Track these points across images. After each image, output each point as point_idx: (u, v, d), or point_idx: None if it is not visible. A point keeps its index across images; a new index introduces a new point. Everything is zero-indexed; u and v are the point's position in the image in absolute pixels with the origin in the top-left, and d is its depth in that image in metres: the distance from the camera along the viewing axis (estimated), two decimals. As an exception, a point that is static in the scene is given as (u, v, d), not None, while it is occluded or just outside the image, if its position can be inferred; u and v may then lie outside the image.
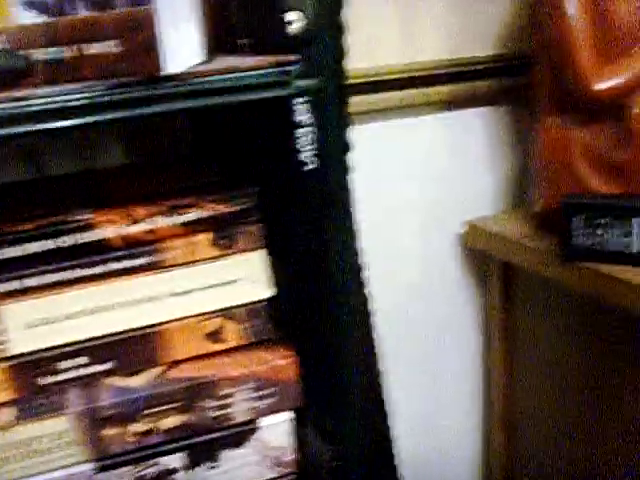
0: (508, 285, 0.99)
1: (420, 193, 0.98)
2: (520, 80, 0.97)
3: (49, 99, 0.45)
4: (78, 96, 0.46)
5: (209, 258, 0.60)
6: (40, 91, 0.46)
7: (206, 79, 0.46)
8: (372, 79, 0.91)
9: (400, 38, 0.94)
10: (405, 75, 0.95)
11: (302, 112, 0.57)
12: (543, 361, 0.98)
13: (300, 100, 0.57)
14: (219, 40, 0.62)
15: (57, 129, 0.44)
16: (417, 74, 0.96)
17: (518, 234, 0.89)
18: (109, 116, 0.45)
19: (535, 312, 0.97)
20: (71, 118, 0.44)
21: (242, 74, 0.47)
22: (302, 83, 0.48)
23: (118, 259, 0.58)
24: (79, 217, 0.58)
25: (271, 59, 0.48)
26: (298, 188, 0.61)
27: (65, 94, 0.45)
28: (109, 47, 0.46)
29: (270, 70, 0.47)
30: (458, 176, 1.00)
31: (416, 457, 1.09)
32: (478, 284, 1.05)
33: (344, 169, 0.60)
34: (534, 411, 1.02)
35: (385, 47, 0.93)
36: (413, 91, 0.96)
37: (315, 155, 0.59)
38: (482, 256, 1.02)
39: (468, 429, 1.13)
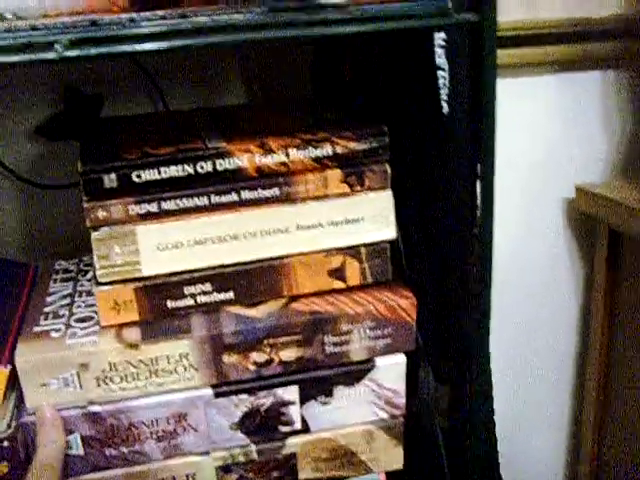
0: (615, 255, 0.97)
1: (530, 154, 0.97)
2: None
3: (208, 18, 0.45)
4: (238, 16, 0.45)
5: (338, 194, 0.61)
6: (201, 9, 0.46)
7: (367, 7, 0.46)
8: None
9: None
10: (522, 32, 0.93)
11: (444, 54, 0.57)
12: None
13: (443, 42, 0.56)
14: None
15: (219, 42, 0.44)
16: (533, 32, 0.94)
17: (630, 200, 0.87)
18: (267, 35, 0.45)
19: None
20: (233, 33, 0.44)
21: (402, 4, 0.46)
22: (460, 17, 0.47)
23: (251, 188, 0.59)
24: (217, 145, 0.58)
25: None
26: (431, 131, 0.61)
27: (226, 14, 0.45)
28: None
29: (430, 2, 0.46)
30: (570, 139, 0.98)
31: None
32: (583, 252, 1.04)
33: (486, 118, 0.59)
34: (630, 392, 1.00)
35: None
36: (528, 50, 0.94)
37: (454, 100, 0.58)
38: (589, 223, 1.00)
39: (557, 405, 1.12)
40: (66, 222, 0.77)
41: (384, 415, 0.66)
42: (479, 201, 0.60)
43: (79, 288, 0.67)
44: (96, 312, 0.61)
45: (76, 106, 0.74)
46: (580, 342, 1.09)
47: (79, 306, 0.64)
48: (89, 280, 0.68)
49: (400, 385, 0.65)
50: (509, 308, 1.03)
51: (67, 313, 0.63)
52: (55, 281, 0.69)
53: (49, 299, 0.66)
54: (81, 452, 0.61)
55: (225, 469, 0.64)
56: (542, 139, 0.97)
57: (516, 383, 1.08)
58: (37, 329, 0.61)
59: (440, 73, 0.57)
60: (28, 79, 0.73)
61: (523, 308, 1.04)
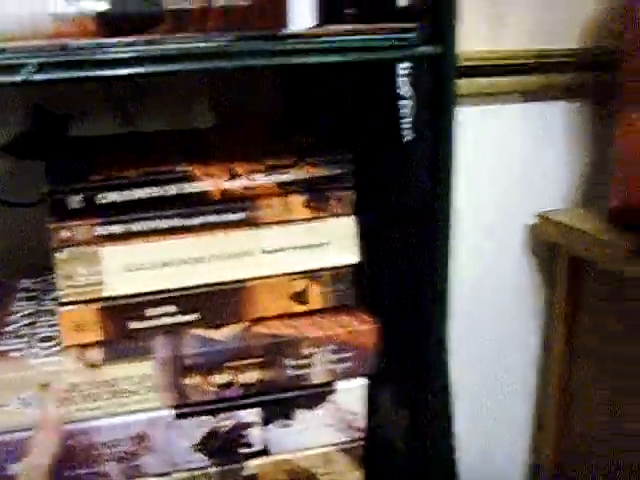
0: (575, 280, 0.99)
1: (493, 181, 0.98)
2: (601, 76, 0.97)
3: (175, 45, 0.46)
4: (204, 45, 0.46)
5: (301, 219, 0.62)
6: (169, 37, 0.47)
7: (332, 38, 0.47)
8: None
9: (487, 23, 0.94)
10: (488, 63, 0.95)
11: (405, 84, 0.58)
12: (606, 358, 0.98)
13: (404, 72, 0.57)
14: (326, 8, 0.63)
15: (187, 70, 0.45)
16: (499, 62, 0.96)
17: (591, 228, 0.89)
18: (233, 64, 0.46)
19: (602, 309, 0.97)
20: (199, 61, 0.45)
21: (365, 36, 0.47)
22: (422, 49, 0.49)
23: (216, 212, 0.60)
24: (183, 168, 0.59)
25: (393, 25, 0.49)
26: (394, 158, 0.62)
27: (193, 42, 0.46)
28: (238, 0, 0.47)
29: (392, 35, 0.48)
30: (533, 167, 1.00)
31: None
32: (545, 277, 1.05)
33: (444, 143, 0.60)
34: (589, 408, 1.01)
35: (471, 32, 0.93)
36: (494, 79, 0.96)
37: (414, 127, 0.59)
38: (551, 249, 1.02)
39: (520, 423, 1.13)
40: (30, 240, 0.77)
41: (344, 437, 0.66)
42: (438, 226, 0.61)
43: (42, 307, 0.68)
44: (59, 332, 0.61)
45: (44, 125, 0.75)
46: (543, 361, 1.11)
47: (42, 326, 0.64)
48: (53, 299, 0.68)
49: (360, 408, 0.65)
50: (477, 326, 1.05)
51: (29, 332, 0.63)
52: (18, 300, 0.69)
53: (11, 318, 0.66)
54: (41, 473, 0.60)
55: (185, 491, 0.64)
56: (506, 166, 0.99)
57: (485, 399, 1.09)
58: (-2, 348, 0.60)
59: (401, 102, 0.58)
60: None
61: (490, 327, 1.05)
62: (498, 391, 1.11)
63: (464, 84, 0.92)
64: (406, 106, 0.59)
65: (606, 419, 1.02)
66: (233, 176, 0.59)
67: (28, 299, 0.69)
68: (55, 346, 0.61)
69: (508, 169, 0.99)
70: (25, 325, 0.64)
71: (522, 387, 1.13)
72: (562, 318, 1.01)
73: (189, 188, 0.58)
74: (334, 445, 0.67)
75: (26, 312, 0.67)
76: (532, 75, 0.96)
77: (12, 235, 0.78)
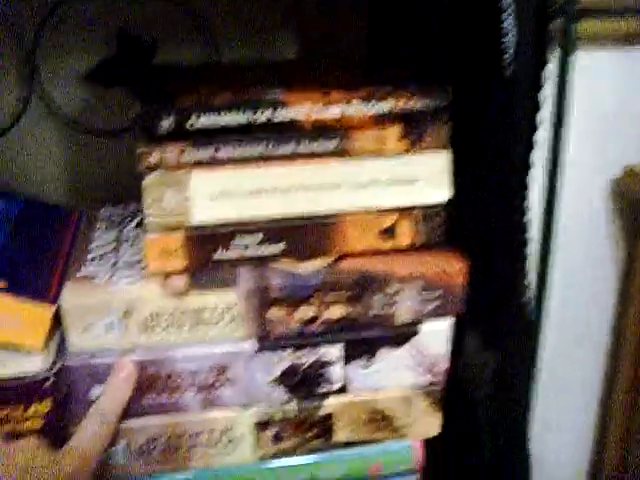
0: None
1: (581, 130, 0.94)
2: None
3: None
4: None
5: (395, 152, 0.59)
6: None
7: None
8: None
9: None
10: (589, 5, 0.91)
11: (510, 16, 0.55)
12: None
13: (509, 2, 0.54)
14: None
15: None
16: (601, 5, 0.91)
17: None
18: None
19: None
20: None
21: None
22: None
23: (308, 141, 0.57)
24: (274, 95, 0.56)
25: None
26: (493, 93, 0.59)
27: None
28: None
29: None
30: (624, 118, 0.95)
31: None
32: (626, 235, 1.01)
33: (539, 83, 0.57)
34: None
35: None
36: (593, 22, 0.91)
37: (517, 63, 0.56)
38: (635, 205, 0.98)
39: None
40: (113, 169, 0.76)
41: (425, 380, 0.65)
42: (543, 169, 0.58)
43: (125, 235, 0.67)
44: (142, 259, 0.60)
45: (129, 52, 0.73)
46: (616, 327, 1.08)
47: (124, 252, 0.63)
48: (135, 227, 0.67)
49: (444, 350, 0.63)
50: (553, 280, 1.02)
51: (112, 259, 0.62)
52: (100, 227, 0.69)
53: (94, 245, 0.65)
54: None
55: (263, 425, 0.63)
56: (596, 115, 0.95)
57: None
58: (82, 273, 0.60)
59: (505, 36, 0.55)
60: (81, 21, 0.72)
61: (562, 286, 1.02)
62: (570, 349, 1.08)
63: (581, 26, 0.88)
64: (509, 40, 0.56)
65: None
66: (326, 104, 0.57)
67: (110, 227, 0.69)
68: (138, 273, 0.59)
69: (598, 118, 0.95)
70: (108, 252, 0.63)
71: (595, 349, 1.09)
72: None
73: (280, 115, 0.56)
74: (414, 388, 0.65)
75: (109, 239, 0.66)
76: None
77: (93, 164, 0.77)
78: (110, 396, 0.57)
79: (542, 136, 0.61)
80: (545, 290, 0.59)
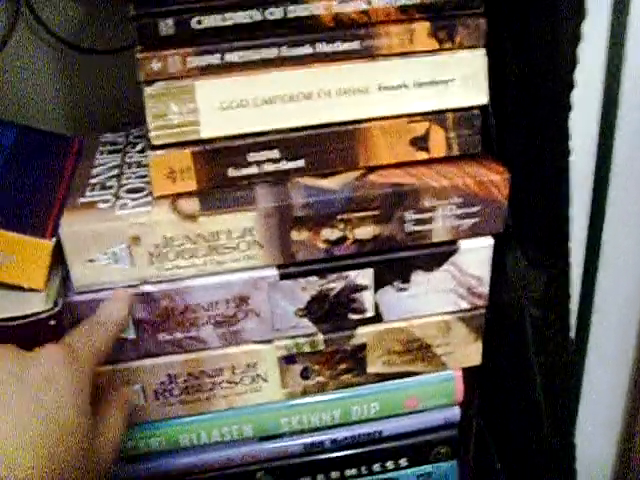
0: None
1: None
2: None
3: None
4: None
5: (425, 51, 0.53)
6: None
7: None
8: None
9: None
10: None
11: None
12: None
13: None
14: None
15: None
16: None
17: None
18: None
19: None
20: None
21: None
22: None
23: (328, 40, 0.51)
24: (288, -13, 0.49)
25: None
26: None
27: None
28: None
29: None
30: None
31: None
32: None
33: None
34: None
35: None
36: None
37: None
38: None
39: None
40: (113, 92, 0.69)
41: (465, 305, 0.58)
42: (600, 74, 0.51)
43: (128, 160, 0.60)
44: (148, 183, 0.54)
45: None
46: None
47: (129, 177, 0.57)
48: (139, 152, 0.61)
49: (485, 271, 0.57)
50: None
51: (116, 184, 0.56)
52: (102, 153, 0.62)
53: (96, 171, 0.59)
54: (133, 336, 0.54)
55: (289, 359, 0.57)
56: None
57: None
58: (83, 200, 0.54)
59: None
60: None
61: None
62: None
63: None
64: None
65: None
66: (348, -3, 0.49)
67: (112, 152, 0.62)
68: (146, 197, 0.53)
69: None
70: (111, 177, 0.57)
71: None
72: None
73: (296, 11, 0.50)
74: (453, 313, 0.59)
75: (112, 164, 0.59)
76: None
77: (92, 87, 0.70)
78: (105, 312, 0.51)
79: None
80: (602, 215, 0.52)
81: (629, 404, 1.07)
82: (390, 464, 0.64)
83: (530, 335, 0.58)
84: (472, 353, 0.62)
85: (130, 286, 0.53)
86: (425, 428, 0.65)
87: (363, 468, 0.64)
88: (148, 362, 0.57)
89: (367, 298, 0.57)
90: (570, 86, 0.51)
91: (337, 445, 0.63)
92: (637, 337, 1.05)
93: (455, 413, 0.65)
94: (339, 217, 0.53)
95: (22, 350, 0.45)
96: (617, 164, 0.73)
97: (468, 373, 0.64)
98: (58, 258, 0.52)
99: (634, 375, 1.06)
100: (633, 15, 0.58)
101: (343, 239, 0.54)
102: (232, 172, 0.53)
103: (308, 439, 0.63)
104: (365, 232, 0.54)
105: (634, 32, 0.68)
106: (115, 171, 0.59)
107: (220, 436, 0.61)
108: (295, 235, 0.53)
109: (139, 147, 0.63)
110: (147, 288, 0.54)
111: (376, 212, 0.53)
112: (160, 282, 0.54)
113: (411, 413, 0.64)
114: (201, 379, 0.58)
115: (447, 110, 0.55)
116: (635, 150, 0.89)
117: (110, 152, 0.63)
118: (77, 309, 0.53)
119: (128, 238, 0.52)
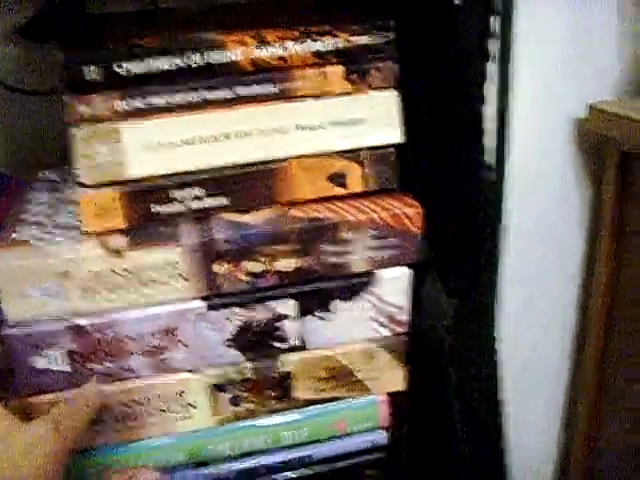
0: (624, 177, 0.92)
1: (541, 69, 0.91)
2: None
3: None
4: None
5: (339, 93, 0.56)
6: None
7: None
8: None
9: None
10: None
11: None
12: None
13: None
14: None
15: None
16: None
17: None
18: None
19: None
20: None
21: None
22: None
23: (246, 84, 0.54)
24: (209, 36, 0.53)
25: None
26: (441, 26, 0.56)
27: None
28: None
29: None
30: (583, 56, 0.92)
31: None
32: (593, 173, 0.98)
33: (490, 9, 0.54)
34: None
35: None
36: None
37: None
38: (600, 143, 0.95)
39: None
40: (51, 131, 0.71)
41: (386, 332, 0.62)
42: (492, 106, 0.55)
43: (63, 197, 0.63)
44: (79, 220, 0.56)
45: (60, 3, 0.68)
46: (586, 263, 1.05)
47: (62, 214, 0.59)
48: (73, 189, 0.63)
49: (404, 300, 0.60)
50: (514, 227, 0.99)
51: (49, 221, 0.58)
52: (37, 190, 0.64)
53: (29, 207, 0.61)
54: (66, 368, 0.56)
55: (218, 388, 0.60)
56: (555, 55, 0.91)
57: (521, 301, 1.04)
58: (16, 236, 0.56)
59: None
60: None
61: (527, 228, 0.99)
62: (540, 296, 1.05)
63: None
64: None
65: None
66: (264, 43, 0.53)
67: (47, 190, 0.64)
68: (77, 234, 0.55)
69: (558, 58, 0.91)
70: (44, 214, 0.59)
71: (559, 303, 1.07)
72: (610, 216, 0.94)
73: (216, 57, 0.53)
74: (375, 340, 0.62)
75: (46, 201, 0.62)
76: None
77: (30, 126, 0.72)
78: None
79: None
80: (503, 233, 0.56)
81: (568, 406, 1.11)
82: (321, 487, 0.67)
83: (448, 362, 0.61)
84: (396, 379, 0.65)
85: (62, 319, 0.55)
86: (353, 451, 0.67)
87: (295, 492, 0.66)
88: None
89: (291, 327, 0.60)
90: (479, 120, 0.55)
91: (269, 470, 0.66)
92: (574, 337, 1.09)
93: (382, 437, 0.67)
94: (260, 250, 0.56)
95: None
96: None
97: (397, 398, 0.67)
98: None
99: (571, 377, 1.09)
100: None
101: (265, 272, 0.57)
102: (158, 209, 0.56)
103: (241, 464, 0.65)
104: (286, 264, 0.57)
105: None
106: (49, 209, 0.61)
107: (153, 463, 0.62)
108: (218, 268, 0.56)
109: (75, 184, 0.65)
110: (79, 321, 0.56)
111: (296, 245, 0.56)
112: (91, 315, 0.56)
113: (340, 437, 0.66)
114: (132, 408, 0.60)
115: (363, 148, 0.58)
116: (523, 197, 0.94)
117: (46, 189, 0.65)
118: (11, 342, 0.55)
119: (59, 273, 0.54)
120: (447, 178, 0.60)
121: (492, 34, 0.56)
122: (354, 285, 0.59)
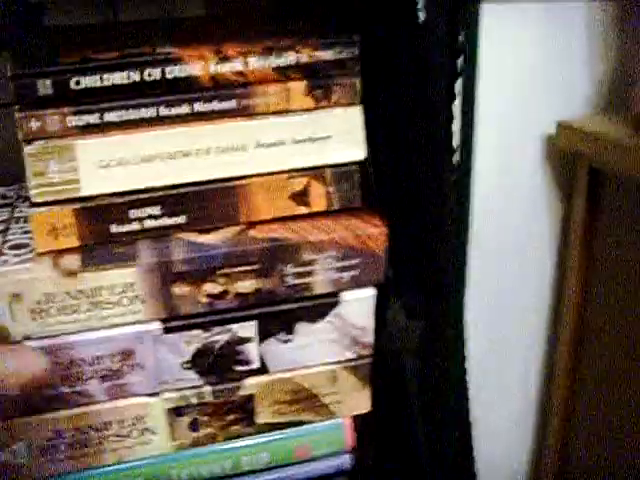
0: (594, 194, 0.91)
1: (509, 86, 0.90)
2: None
3: None
4: None
5: (301, 109, 0.54)
6: None
7: None
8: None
9: None
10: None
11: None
12: (624, 284, 0.91)
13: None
14: None
15: None
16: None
17: (615, 134, 0.81)
18: None
19: (622, 226, 0.90)
20: None
21: None
22: None
23: (205, 100, 0.52)
24: (166, 50, 0.51)
25: None
26: (406, 42, 0.54)
27: None
28: None
29: None
30: (551, 73, 0.91)
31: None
32: (562, 191, 0.98)
33: (456, 27, 0.53)
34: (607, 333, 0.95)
35: None
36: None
37: (430, 7, 0.52)
38: (569, 160, 0.94)
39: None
40: (4, 146, 0.69)
41: (350, 355, 0.60)
42: (457, 122, 0.54)
43: (17, 214, 0.60)
44: (32, 239, 0.54)
45: (14, 14, 0.66)
46: (556, 284, 1.04)
47: (15, 233, 0.57)
48: (29, 207, 0.61)
49: (368, 322, 0.59)
50: (484, 244, 0.98)
51: (0, 240, 0.55)
52: (-11, 208, 0.62)
53: (-19, 226, 0.58)
54: (17, 392, 0.54)
55: (177, 411, 0.58)
56: (523, 72, 0.90)
57: (490, 323, 1.03)
58: (-35, 257, 0.53)
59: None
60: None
61: (498, 245, 0.98)
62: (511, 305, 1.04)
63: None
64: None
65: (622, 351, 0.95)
66: (223, 59, 0.51)
67: (2, 206, 0.62)
68: (29, 253, 0.53)
69: (526, 75, 0.90)
70: (-4, 233, 0.57)
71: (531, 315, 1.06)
72: (580, 232, 0.93)
73: (174, 72, 0.51)
74: (339, 363, 0.60)
75: (-2, 219, 0.59)
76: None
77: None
78: None
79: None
80: (465, 254, 0.54)
81: (539, 422, 1.10)
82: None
83: (411, 383, 0.60)
84: (361, 401, 0.63)
85: (14, 342, 0.53)
86: (317, 476, 0.65)
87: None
88: (33, 419, 0.56)
89: (252, 350, 0.58)
90: (444, 139, 0.53)
91: (230, 496, 0.63)
92: (545, 339, 1.08)
93: (346, 460, 0.65)
94: (220, 272, 0.54)
95: None
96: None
97: (362, 421, 0.65)
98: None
99: (542, 394, 1.09)
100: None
101: (225, 293, 0.55)
102: (114, 228, 0.54)
103: (200, 491, 0.63)
104: (246, 286, 0.55)
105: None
106: (1, 226, 0.59)
107: (110, 490, 0.60)
108: (177, 290, 0.54)
109: (29, 202, 0.63)
110: (30, 344, 0.53)
111: (256, 266, 0.55)
112: (43, 338, 0.54)
113: (303, 462, 0.64)
114: (88, 433, 0.58)
115: (325, 166, 0.56)
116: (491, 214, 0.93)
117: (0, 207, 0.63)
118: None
119: (8, 295, 0.52)
120: (411, 195, 0.58)
121: (458, 50, 0.54)
122: (317, 307, 0.58)
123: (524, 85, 0.92)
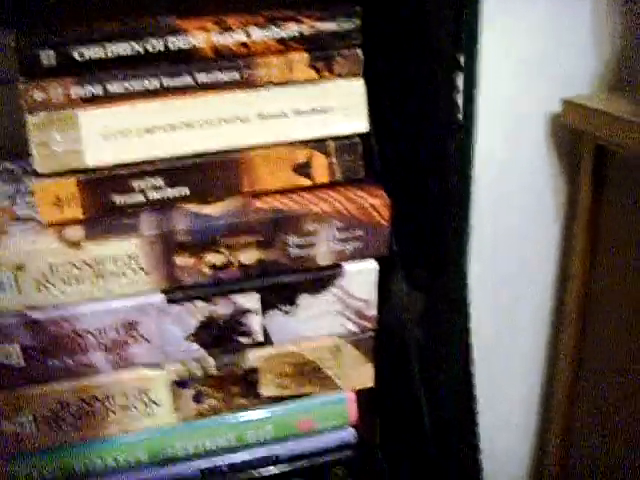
0: (600, 171, 0.91)
1: (516, 65, 0.90)
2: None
3: None
4: None
5: (304, 81, 0.54)
6: None
7: None
8: None
9: None
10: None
11: None
12: (631, 261, 0.91)
13: None
14: None
15: None
16: None
17: (621, 112, 0.81)
18: None
19: (629, 203, 0.89)
20: None
21: None
22: None
23: (208, 71, 0.52)
24: (169, 21, 0.51)
25: None
26: (408, 13, 0.54)
27: None
28: None
29: None
30: (558, 52, 0.91)
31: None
32: (568, 169, 0.97)
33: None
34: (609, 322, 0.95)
35: None
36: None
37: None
38: (575, 138, 0.94)
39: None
40: (10, 121, 0.69)
41: (353, 328, 0.60)
42: (460, 95, 0.54)
43: (22, 188, 0.60)
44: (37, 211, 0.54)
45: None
46: (561, 262, 1.04)
47: (20, 206, 0.57)
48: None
49: (371, 294, 0.59)
50: (488, 225, 0.98)
51: (6, 214, 0.55)
52: (-5, 182, 0.62)
53: (-14, 199, 0.59)
54: (21, 363, 0.54)
55: (181, 384, 0.58)
56: (529, 50, 0.90)
57: (493, 300, 1.03)
58: (-30, 229, 0.54)
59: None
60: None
61: (504, 223, 0.98)
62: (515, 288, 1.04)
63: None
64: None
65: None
66: (226, 30, 0.51)
67: (6, 181, 0.62)
68: (33, 225, 0.53)
69: (532, 53, 0.90)
70: (1, 207, 0.57)
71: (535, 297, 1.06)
72: (586, 210, 0.93)
73: (176, 43, 0.51)
74: (342, 336, 0.60)
75: (4, 194, 0.60)
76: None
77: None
78: None
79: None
80: (468, 227, 0.54)
81: (543, 406, 1.10)
82: (288, 486, 0.65)
83: (415, 357, 0.60)
84: (364, 375, 0.63)
85: (17, 313, 0.53)
86: (321, 450, 0.66)
87: (261, 491, 0.65)
88: (38, 390, 0.57)
89: (255, 322, 0.58)
90: (451, 110, 0.53)
91: (234, 469, 0.64)
92: (549, 336, 1.08)
93: (350, 434, 0.66)
94: (222, 242, 0.54)
95: None
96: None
97: (365, 395, 0.65)
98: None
99: (546, 379, 1.09)
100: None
101: (228, 264, 0.55)
102: (117, 200, 0.54)
103: (205, 463, 0.63)
104: (249, 257, 0.55)
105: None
106: (7, 201, 0.59)
107: (115, 462, 0.61)
108: (179, 261, 0.54)
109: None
110: (35, 315, 0.54)
111: (259, 237, 0.55)
112: (48, 309, 0.54)
113: (306, 435, 0.64)
114: (93, 405, 0.58)
115: (328, 138, 0.56)
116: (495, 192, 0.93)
117: (4, 181, 0.63)
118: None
119: (13, 266, 0.52)
120: (415, 169, 0.58)
121: (461, 25, 0.54)
122: (320, 278, 0.58)
123: (530, 63, 0.92)
